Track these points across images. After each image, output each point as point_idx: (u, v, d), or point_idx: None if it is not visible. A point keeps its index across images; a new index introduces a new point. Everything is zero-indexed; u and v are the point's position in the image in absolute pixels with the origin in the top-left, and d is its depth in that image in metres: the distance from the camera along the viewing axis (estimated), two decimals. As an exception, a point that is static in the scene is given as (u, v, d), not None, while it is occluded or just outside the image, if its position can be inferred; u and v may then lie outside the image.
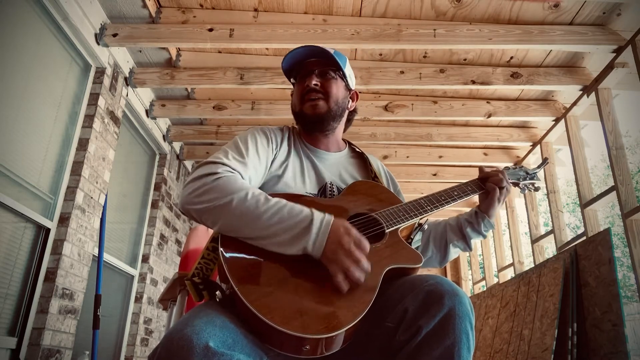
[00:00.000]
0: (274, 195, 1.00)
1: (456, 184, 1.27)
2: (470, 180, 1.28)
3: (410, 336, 0.86)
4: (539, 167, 1.45)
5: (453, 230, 1.28)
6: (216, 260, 1.07)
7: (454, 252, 1.29)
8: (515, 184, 1.39)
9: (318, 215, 0.94)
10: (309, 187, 1.17)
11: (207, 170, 0.98)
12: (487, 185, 1.25)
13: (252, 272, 0.89)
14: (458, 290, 0.88)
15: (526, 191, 1.42)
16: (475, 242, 1.29)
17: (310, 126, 1.24)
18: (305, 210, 0.94)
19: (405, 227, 1.13)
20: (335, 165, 1.26)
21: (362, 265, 0.90)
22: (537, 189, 1.42)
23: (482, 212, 1.26)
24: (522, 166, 1.42)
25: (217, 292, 0.90)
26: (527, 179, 1.39)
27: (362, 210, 1.10)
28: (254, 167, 1.09)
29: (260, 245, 0.92)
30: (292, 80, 1.30)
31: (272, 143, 1.18)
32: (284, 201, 0.96)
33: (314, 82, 1.21)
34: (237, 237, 0.93)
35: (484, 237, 1.28)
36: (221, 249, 0.91)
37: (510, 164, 1.43)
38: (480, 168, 1.31)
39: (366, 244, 0.93)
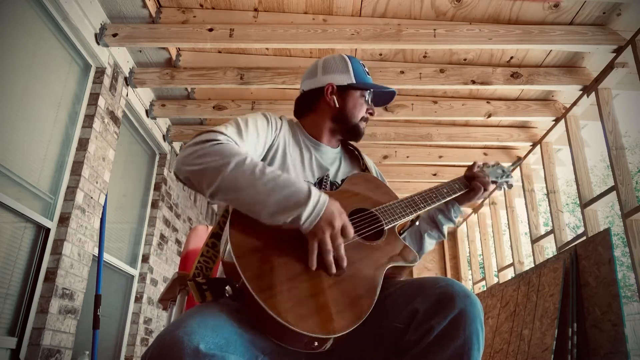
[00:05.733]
0: None
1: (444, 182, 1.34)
2: (456, 178, 1.34)
3: (420, 336, 0.87)
4: (513, 164, 1.57)
5: (425, 221, 1.34)
6: (215, 258, 1.09)
7: (429, 242, 1.33)
8: (494, 182, 1.45)
9: (315, 191, 0.95)
10: (309, 177, 1.19)
11: (206, 137, 0.99)
12: (473, 184, 1.32)
13: (262, 269, 0.89)
14: (469, 292, 0.90)
15: (502, 189, 1.49)
16: (448, 229, 1.34)
17: (350, 137, 1.33)
18: (302, 183, 0.96)
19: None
20: (332, 159, 1.29)
21: (339, 253, 0.94)
22: (510, 187, 1.49)
23: (453, 200, 1.32)
24: (500, 164, 1.49)
25: (227, 287, 0.89)
26: (504, 177, 1.46)
27: (361, 205, 1.13)
28: (253, 145, 1.10)
29: (252, 213, 0.93)
30: (361, 92, 1.29)
31: (271, 126, 1.19)
32: (280, 172, 0.97)
33: (375, 114, 1.36)
34: (227, 198, 0.94)
35: (454, 223, 1.34)
36: (231, 244, 0.91)
37: (489, 162, 1.50)
38: (473, 164, 1.38)
39: (351, 231, 0.97)
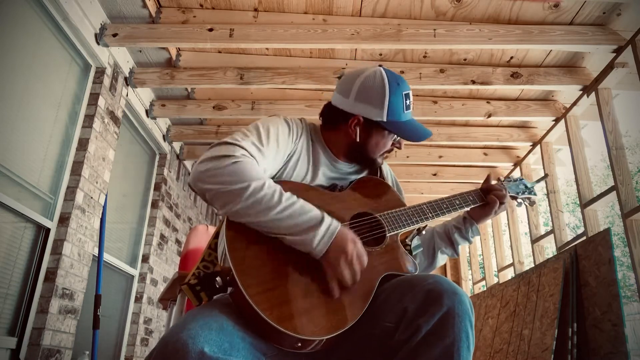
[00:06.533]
0: (283, 182, 1.01)
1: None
2: (472, 190, 1.29)
3: (409, 335, 0.86)
4: (537, 181, 1.48)
5: (441, 237, 1.29)
6: (217, 261, 1.07)
7: (442, 258, 1.30)
8: (514, 197, 1.41)
9: (327, 219, 0.94)
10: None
11: (225, 151, 0.95)
12: (489, 197, 1.26)
13: (254, 264, 0.89)
14: (457, 289, 0.88)
15: (522, 205, 1.44)
16: (464, 246, 1.30)
17: (364, 166, 1.26)
18: (316, 211, 0.95)
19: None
20: (348, 173, 1.24)
21: (356, 278, 0.94)
22: (532, 204, 1.44)
23: (472, 219, 1.28)
24: (523, 179, 1.44)
25: (217, 278, 0.89)
26: (526, 193, 1.41)
27: (366, 209, 1.11)
28: (272, 157, 1.05)
29: (266, 232, 0.93)
30: (388, 130, 1.17)
31: (292, 135, 1.14)
32: (295, 197, 0.96)
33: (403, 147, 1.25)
34: (243, 221, 0.92)
35: (470, 242, 1.30)
36: (226, 237, 0.91)
37: (513, 175, 1.44)
38: (488, 177, 1.33)
39: (366, 259, 0.96)
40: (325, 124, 1.25)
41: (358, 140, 1.17)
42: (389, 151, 1.22)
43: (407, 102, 1.18)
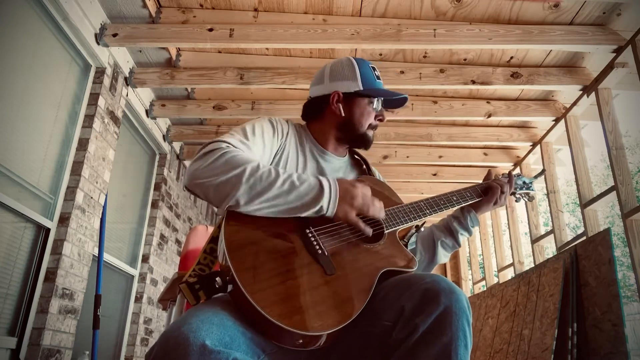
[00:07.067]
0: None
1: (456, 184, 1.31)
2: (469, 187, 1.32)
3: (407, 334, 0.86)
4: (535, 177, 1.50)
5: (440, 229, 1.32)
6: (212, 264, 1.08)
7: (443, 253, 1.30)
8: (512, 193, 1.43)
9: (324, 179, 1.01)
10: None
11: (214, 147, 0.99)
12: (491, 183, 1.30)
13: (253, 263, 0.89)
14: (455, 288, 0.89)
15: (521, 200, 1.46)
16: (463, 239, 1.33)
17: (357, 145, 1.29)
18: (311, 177, 1.00)
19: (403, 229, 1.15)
20: (337, 168, 1.27)
21: (376, 204, 1.03)
22: (531, 199, 1.46)
23: (470, 207, 1.31)
24: (521, 175, 1.46)
25: (217, 279, 0.89)
26: (524, 188, 1.43)
27: None
28: (259, 154, 1.09)
29: (273, 212, 0.95)
30: (369, 99, 1.24)
31: (277, 133, 1.18)
32: (290, 171, 1.01)
33: (386, 119, 1.31)
34: (249, 208, 0.94)
35: (470, 233, 1.31)
36: (224, 235, 0.91)
37: (510, 165, 1.46)
38: (489, 173, 1.37)
39: (368, 193, 1.04)
40: (309, 119, 1.31)
41: (343, 114, 1.23)
42: (374, 127, 1.27)
43: (376, 73, 1.28)
